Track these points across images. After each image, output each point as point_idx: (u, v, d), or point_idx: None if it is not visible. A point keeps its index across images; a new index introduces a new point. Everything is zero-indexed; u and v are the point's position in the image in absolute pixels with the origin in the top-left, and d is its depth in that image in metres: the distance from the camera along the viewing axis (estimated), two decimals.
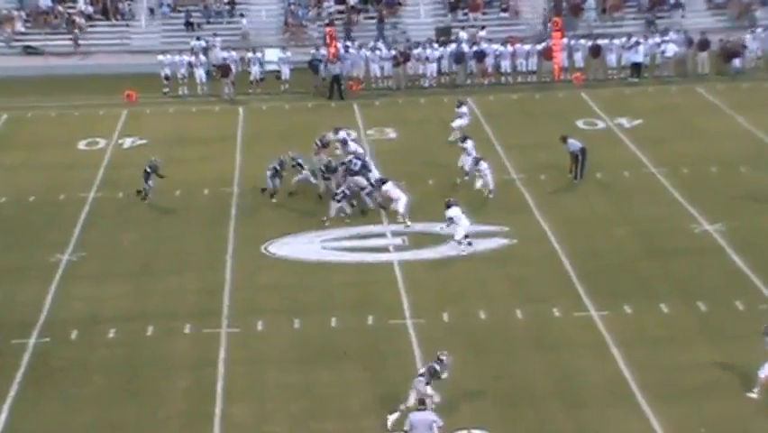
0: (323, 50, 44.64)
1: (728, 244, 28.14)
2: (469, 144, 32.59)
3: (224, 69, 43.59)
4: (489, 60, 44.95)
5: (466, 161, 32.20)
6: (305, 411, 21.11)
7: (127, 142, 38.28)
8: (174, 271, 27.56)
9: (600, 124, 38.76)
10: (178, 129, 39.77)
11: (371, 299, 25.73)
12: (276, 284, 26.75)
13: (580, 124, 38.20)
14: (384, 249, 28.17)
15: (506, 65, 45.04)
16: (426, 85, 44.82)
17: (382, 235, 28.70)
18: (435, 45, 46.00)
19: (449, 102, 42.14)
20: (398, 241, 28.53)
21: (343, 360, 22.95)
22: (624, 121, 38.91)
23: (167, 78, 44.28)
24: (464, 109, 37.28)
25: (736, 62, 44.85)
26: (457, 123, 36.74)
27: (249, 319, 24.78)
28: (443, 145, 36.50)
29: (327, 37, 45.73)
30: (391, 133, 38.56)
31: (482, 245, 28.55)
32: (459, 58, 44.74)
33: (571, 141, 32.88)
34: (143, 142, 38.19)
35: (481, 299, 25.48)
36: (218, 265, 27.73)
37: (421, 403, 18.98)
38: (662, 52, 45.16)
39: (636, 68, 44.53)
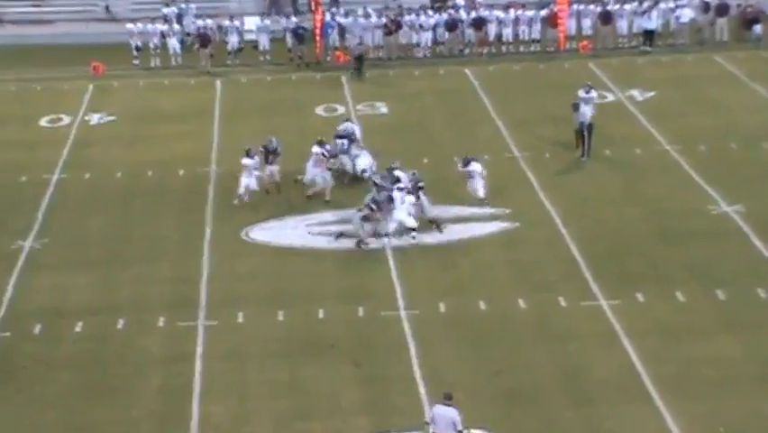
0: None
1: (749, 226, 28.19)
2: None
3: (203, 39, 43.44)
4: (491, 28, 44.90)
5: None
6: (289, 410, 21.13)
7: (94, 118, 38.18)
8: (146, 259, 27.50)
9: (610, 97, 38.71)
10: (149, 104, 39.67)
11: (362, 289, 25.73)
12: (258, 272, 26.73)
13: None
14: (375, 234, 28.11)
15: (507, 33, 45.00)
16: (420, 55, 44.77)
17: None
18: (430, 12, 45.93)
19: (445, 73, 42.24)
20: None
21: (332, 354, 22.95)
22: (635, 93, 38.93)
23: (137, 48, 44.15)
24: (594, 94, 34.20)
25: (757, 29, 44.84)
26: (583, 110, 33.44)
27: (228, 311, 24.77)
28: (438, 120, 36.50)
29: (312, 3, 45.66)
30: (383, 108, 38.51)
31: (483, 230, 28.58)
32: (452, 25, 44.69)
33: (582, 110, 32.77)
34: (112, 118, 38.11)
35: (481, 288, 25.50)
36: (194, 252, 27.70)
37: (448, 398, 19.02)
38: (677, 18, 45.16)
39: (649, 35, 44.50)
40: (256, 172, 30.16)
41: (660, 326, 23.66)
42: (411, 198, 28.21)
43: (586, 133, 32.74)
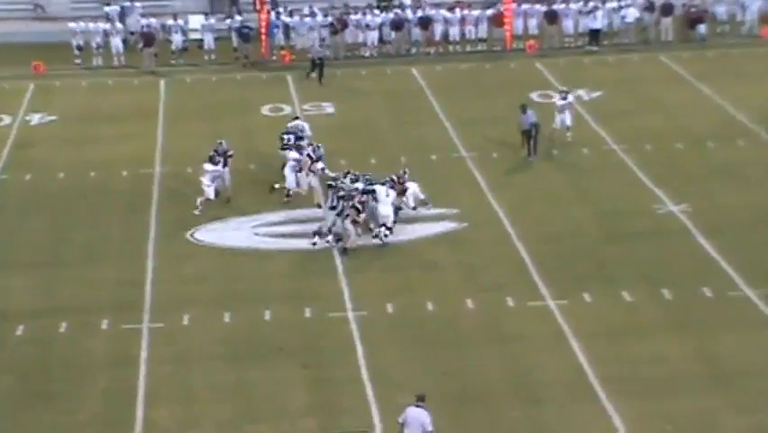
0: None
1: (695, 226, 28.48)
2: None
3: (147, 38, 43.18)
4: (437, 28, 45.04)
5: None
6: (236, 414, 21.04)
7: (35, 118, 37.87)
8: (89, 261, 27.31)
9: (556, 97, 38.94)
10: (91, 104, 39.39)
11: (309, 290, 25.70)
12: (203, 274, 26.62)
13: (534, 96, 38.34)
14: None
15: (454, 32, 45.16)
16: (367, 54, 44.81)
17: (321, 220, 28.55)
18: (376, 11, 45.99)
19: (392, 73, 42.32)
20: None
21: (279, 357, 22.92)
22: (582, 93, 39.18)
23: (79, 47, 43.81)
24: (570, 99, 34.77)
25: (701, 28, 45.37)
26: (558, 119, 34.19)
27: (173, 313, 24.64)
28: (385, 121, 36.56)
29: (257, 2, 45.54)
30: (329, 108, 38.50)
31: (430, 230, 28.65)
32: (398, 25, 44.80)
33: (530, 112, 32.96)
34: (53, 118, 37.81)
35: (429, 289, 25.56)
36: (139, 254, 27.53)
37: (421, 400, 19.06)
38: (622, 18, 45.56)
39: (595, 35, 44.87)
40: (214, 183, 29.66)
41: (607, 326, 23.84)
42: (394, 193, 28.19)
43: (533, 132, 32.91)
